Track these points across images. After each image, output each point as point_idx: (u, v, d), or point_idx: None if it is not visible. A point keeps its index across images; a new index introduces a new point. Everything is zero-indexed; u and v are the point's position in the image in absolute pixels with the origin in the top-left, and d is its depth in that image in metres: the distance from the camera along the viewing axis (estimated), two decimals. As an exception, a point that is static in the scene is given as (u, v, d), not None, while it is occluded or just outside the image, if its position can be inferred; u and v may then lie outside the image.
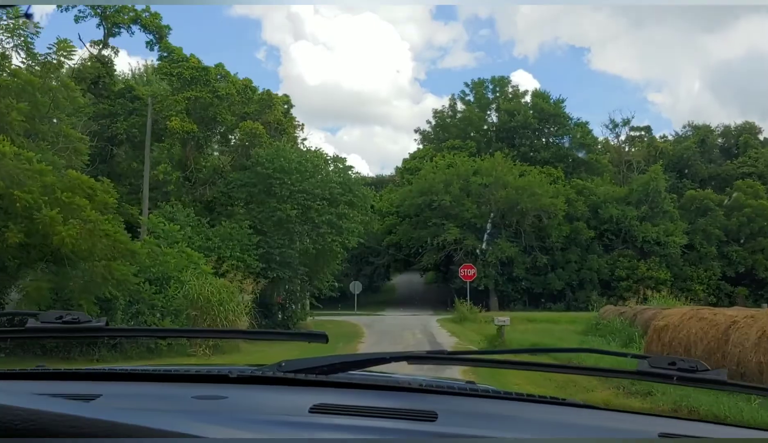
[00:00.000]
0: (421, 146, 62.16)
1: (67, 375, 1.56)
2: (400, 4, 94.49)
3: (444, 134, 61.09)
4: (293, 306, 29.68)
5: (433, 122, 62.51)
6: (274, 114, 30.44)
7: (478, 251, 50.04)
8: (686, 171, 60.26)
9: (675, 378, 1.35)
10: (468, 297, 37.07)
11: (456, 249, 50.54)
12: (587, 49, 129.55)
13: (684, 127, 66.15)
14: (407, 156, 62.78)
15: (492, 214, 49.85)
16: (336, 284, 35.97)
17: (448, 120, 61.64)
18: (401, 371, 1.83)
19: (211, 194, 28.63)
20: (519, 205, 48.56)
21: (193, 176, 28.59)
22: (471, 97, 61.32)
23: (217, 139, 31.32)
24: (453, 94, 63.04)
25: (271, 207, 26.61)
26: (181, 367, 1.67)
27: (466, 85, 61.91)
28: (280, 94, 32.95)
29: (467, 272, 40.60)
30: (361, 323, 30.97)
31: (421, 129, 63.75)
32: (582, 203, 51.61)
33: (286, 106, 32.76)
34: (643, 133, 63.54)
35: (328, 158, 30.24)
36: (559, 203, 49.06)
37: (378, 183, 61.77)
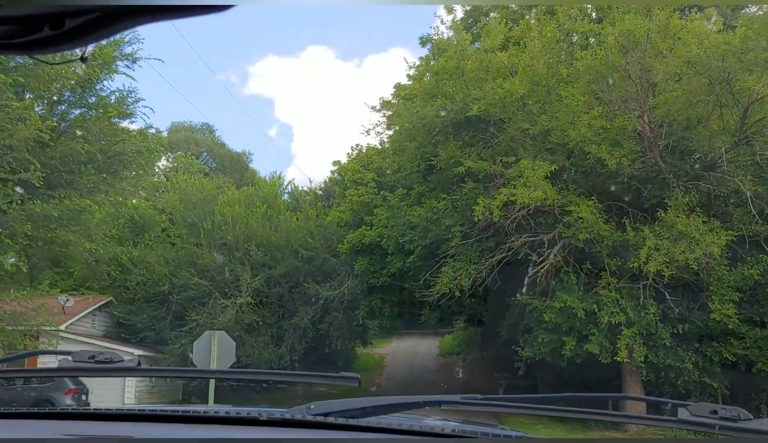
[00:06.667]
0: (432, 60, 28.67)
1: (99, 415, 1.56)
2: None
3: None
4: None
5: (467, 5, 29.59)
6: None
7: (602, 248, 17.10)
8: None
9: (717, 427, 1.29)
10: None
11: (535, 243, 17.59)
12: None
13: None
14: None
15: (648, 129, 16.80)
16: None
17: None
18: (433, 416, 1.83)
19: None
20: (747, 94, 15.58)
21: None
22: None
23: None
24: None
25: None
26: (210, 408, 1.69)
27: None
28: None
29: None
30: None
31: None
32: None
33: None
34: None
35: None
36: None
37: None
